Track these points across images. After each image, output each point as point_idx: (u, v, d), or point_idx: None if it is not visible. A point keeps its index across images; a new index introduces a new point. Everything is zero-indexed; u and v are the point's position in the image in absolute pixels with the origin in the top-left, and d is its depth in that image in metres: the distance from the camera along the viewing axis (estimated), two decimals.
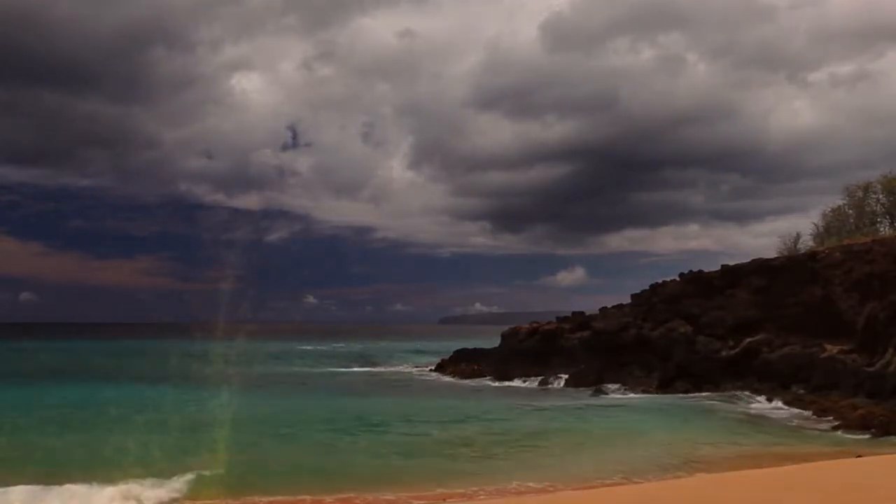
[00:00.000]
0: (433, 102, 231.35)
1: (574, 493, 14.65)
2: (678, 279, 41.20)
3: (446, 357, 54.39)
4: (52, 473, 14.15)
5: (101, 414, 21.06)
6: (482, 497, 14.80)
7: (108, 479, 13.51)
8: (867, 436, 24.25)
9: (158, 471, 13.90)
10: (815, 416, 28.17)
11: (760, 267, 37.97)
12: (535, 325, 47.36)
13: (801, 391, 32.34)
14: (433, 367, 53.83)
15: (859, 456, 18.57)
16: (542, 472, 17.06)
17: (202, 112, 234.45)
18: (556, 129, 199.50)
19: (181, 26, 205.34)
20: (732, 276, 38.76)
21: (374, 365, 62.51)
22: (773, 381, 33.72)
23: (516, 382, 42.35)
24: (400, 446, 20.86)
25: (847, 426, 25.51)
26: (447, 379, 47.22)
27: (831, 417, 27.26)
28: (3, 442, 16.23)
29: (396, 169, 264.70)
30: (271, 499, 14.33)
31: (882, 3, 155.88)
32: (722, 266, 39.84)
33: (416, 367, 57.96)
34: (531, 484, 15.87)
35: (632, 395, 35.78)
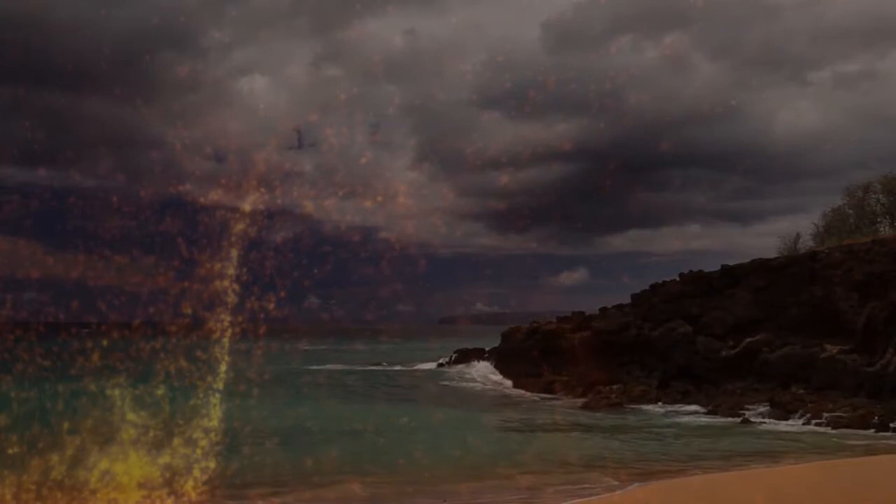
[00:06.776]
0: (436, 102, 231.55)
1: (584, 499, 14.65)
2: (678, 279, 41.18)
3: (446, 357, 54.40)
4: None
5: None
6: (481, 498, 14.81)
7: None
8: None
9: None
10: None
11: (760, 267, 37.94)
12: (535, 324, 47.29)
13: (801, 391, 32.35)
14: (432, 368, 53.82)
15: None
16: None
17: (208, 113, 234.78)
18: (558, 129, 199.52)
19: (189, 29, 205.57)
20: (732, 276, 38.74)
21: (373, 365, 62.40)
22: (773, 382, 33.73)
23: (516, 390, 41.42)
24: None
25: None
26: (450, 383, 47.11)
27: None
28: None
29: (400, 169, 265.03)
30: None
31: (886, 3, 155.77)
32: (722, 266, 39.81)
33: (416, 367, 57.88)
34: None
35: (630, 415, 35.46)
